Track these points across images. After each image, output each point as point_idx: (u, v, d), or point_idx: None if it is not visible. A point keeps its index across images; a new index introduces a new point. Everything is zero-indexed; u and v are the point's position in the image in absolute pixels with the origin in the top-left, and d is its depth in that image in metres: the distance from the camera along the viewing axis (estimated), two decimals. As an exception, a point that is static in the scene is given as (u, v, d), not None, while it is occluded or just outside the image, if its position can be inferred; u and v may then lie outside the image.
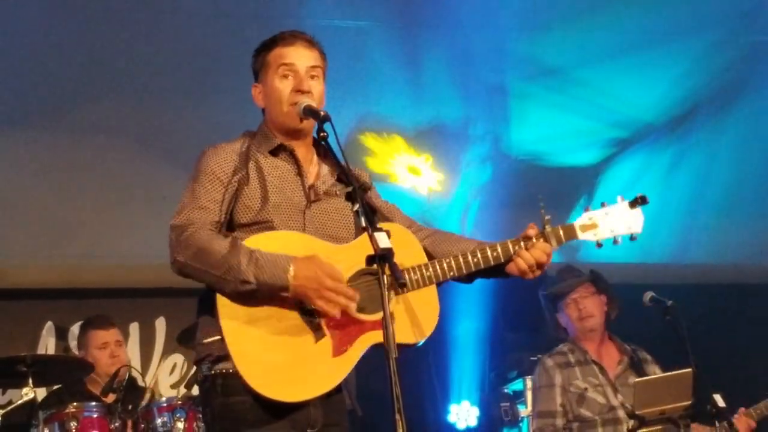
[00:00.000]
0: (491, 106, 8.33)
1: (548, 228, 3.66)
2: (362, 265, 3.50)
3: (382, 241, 3.25)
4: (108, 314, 6.91)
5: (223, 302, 3.47)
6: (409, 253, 3.59)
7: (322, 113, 3.58)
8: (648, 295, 6.02)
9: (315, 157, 3.78)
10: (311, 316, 3.46)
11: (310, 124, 3.66)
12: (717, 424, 5.52)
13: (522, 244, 3.66)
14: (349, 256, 3.54)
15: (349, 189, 3.48)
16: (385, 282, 3.22)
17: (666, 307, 5.88)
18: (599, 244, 3.72)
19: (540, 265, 3.66)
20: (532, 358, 7.40)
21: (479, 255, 3.61)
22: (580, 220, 3.71)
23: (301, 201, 3.67)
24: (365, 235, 3.49)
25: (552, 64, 8.23)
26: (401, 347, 3.33)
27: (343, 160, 3.57)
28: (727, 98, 8.50)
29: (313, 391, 3.45)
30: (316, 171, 3.76)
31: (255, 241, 3.51)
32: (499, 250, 3.63)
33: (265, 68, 3.79)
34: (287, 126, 3.72)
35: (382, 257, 3.22)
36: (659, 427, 5.55)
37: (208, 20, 7.52)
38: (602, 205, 3.72)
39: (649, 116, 8.56)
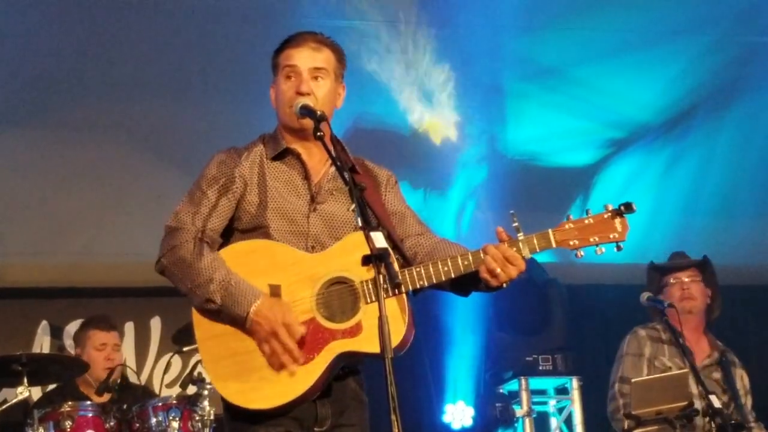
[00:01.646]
0: (487, 105, 8.32)
1: (521, 236, 3.51)
2: (337, 272, 3.50)
3: (378, 240, 3.25)
4: (104, 314, 6.89)
5: (195, 311, 3.58)
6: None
7: (318, 113, 3.56)
8: (645, 295, 6.01)
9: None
10: None
11: (311, 123, 3.65)
12: (713, 424, 5.51)
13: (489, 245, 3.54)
14: (322, 264, 3.53)
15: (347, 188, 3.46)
16: (382, 282, 3.22)
17: (663, 307, 5.88)
18: (579, 254, 3.58)
19: (500, 264, 3.48)
20: (527, 359, 7.41)
21: (450, 264, 3.51)
22: (557, 228, 3.56)
23: (305, 205, 3.67)
24: (343, 240, 3.55)
25: (548, 64, 8.23)
26: (369, 357, 3.38)
27: (338, 161, 3.55)
28: (723, 99, 8.50)
29: (278, 399, 3.45)
30: (325, 170, 3.76)
31: (225, 252, 3.60)
32: (470, 258, 3.51)
33: (276, 70, 3.81)
34: (290, 126, 3.73)
35: (378, 257, 3.21)
36: (655, 427, 5.55)
37: (205, 19, 7.51)
38: (586, 212, 3.58)
39: (645, 116, 8.56)
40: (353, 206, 3.37)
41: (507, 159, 8.44)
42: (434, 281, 3.51)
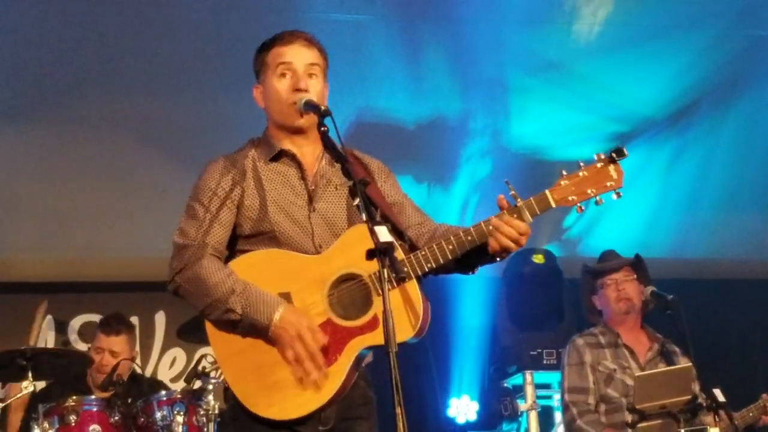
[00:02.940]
0: (491, 99, 8.32)
1: (519, 202, 3.48)
2: (343, 270, 3.50)
3: (383, 235, 3.24)
4: (119, 315, 6.85)
5: (212, 330, 3.59)
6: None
7: (322, 108, 3.55)
8: (648, 289, 6.02)
9: (322, 151, 3.76)
10: None
11: (311, 120, 3.64)
12: (716, 418, 5.52)
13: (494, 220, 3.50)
14: (327, 264, 3.54)
15: (350, 183, 3.46)
16: (386, 276, 3.20)
17: (666, 301, 5.88)
18: (580, 209, 3.51)
19: (514, 239, 3.45)
20: (531, 353, 7.40)
21: (454, 241, 3.48)
22: (554, 188, 3.52)
23: (304, 204, 3.68)
24: (343, 237, 3.56)
25: (552, 58, 8.22)
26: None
27: (343, 156, 3.55)
28: (727, 93, 8.48)
29: (310, 405, 3.46)
30: (317, 166, 3.76)
31: (231, 267, 3.60)
32: (473, 233, 3.48)
33: (264, 68, 3.80)
34: (288, 124, 3.72)
35: (382, 251, 3.20)
36: (659, 421, 5.55)
37: (207, 14, 7.51)
38: (579, 166, 3.53)
39: (649, 111, 8.54)
40: (357, 201, 3.36)
41: (511, 153, 8.43)
42: (441, 262, 3.48)
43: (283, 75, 3.72)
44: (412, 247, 3.63)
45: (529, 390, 7.34)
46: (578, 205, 3.52)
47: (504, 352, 7.66)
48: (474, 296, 7.96)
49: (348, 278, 3.51)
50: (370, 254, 3.26)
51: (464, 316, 8.03)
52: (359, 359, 3.49)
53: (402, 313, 3.32)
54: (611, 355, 5.98)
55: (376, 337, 3.41)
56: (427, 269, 3.48)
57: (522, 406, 7.31)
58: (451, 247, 3.48)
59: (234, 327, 3.51)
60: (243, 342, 3.52)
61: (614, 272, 6.16)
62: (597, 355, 5.99)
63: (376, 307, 3.44)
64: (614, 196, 3.51)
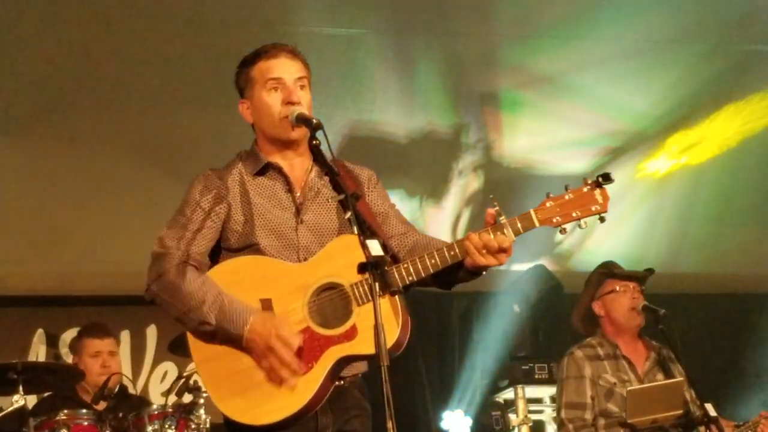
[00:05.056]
0: (483, 113, 8.33)
1: (503, 219, 3.49)
2: (325, 279, 3.50)
3: (374, 248, 3.24)
4: (98, 321, 6.89)
5: (191, 335, 3.60)
6: (350, 262, 3.38)
7: (314, 121, 3.55)
8: (640, 303, 5.99)
9: (311, 163, 3.76)
10: None
11: (303, 133, 3.63)
12: (708, 433, 5.51)
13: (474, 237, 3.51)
14: (310, 273, 3.54)
15: (341, 197, 3.46)
16: (377, 290, 3.19)
17: (658, 315, 5.86)
18: (563, 230, 3.55)
19: (492, 250, 3.45)
20: (523, 367, 7.41)
21: (437, 256, 3.48)
22: (538, 208, 3.55)
23: (291, 218, 3.67)
24: (328, 246, 3.56)
25: (544, 73, 8.23)
26: (368, 359, 3.41)
27: (335, 169, 3.55)
28: (719, 107, 8.50)
29: (282, 412, 3.45)
30: (306, 179, 3.75)
31: (213, 272, 3.60)
32: (457, 248, 3.49)
33: (251, 84, 3.78)
34: (280, 137, 3.71)
35: (374, 265, 3.20)
36: (651, 436, 5.54)
37: (203, 28, 7.51)
38: (565, 188, 3.57)
39: (641, 125, 8.56)
40: (348, 214, 3.36)
41: (503, 167, 8.44)
42: (423, 275, 3.49)
43: (274, 89, 3.71)
44: (393, 258, 3.63)
45: (521, 404, 7.34)
46: (562, 226, 3.56)
47: (496, 366, 7.67)
48: (468, 311, 7.96)
49: (330, 287, 3.50)
50: (362, 268, 3.25)
51: (458, 330, 8.02)
52: (336, 368, 3.47)
53: (385, 323, 3.29)
54: (611, 368, 5.91)
55: (354, 347, 3.43)
56: (408, 282, 3.49)
57: (514, 420, 7.31)
58: (434, 261, 3.49)
59: (212, 337, 3.51)
60: (221, 347, 3.52)
61: (633, 280, 6.05)
62: (597, 368, 5.90)
63: (355, 317, 3.44)
64: (599, 221, 3.56)
